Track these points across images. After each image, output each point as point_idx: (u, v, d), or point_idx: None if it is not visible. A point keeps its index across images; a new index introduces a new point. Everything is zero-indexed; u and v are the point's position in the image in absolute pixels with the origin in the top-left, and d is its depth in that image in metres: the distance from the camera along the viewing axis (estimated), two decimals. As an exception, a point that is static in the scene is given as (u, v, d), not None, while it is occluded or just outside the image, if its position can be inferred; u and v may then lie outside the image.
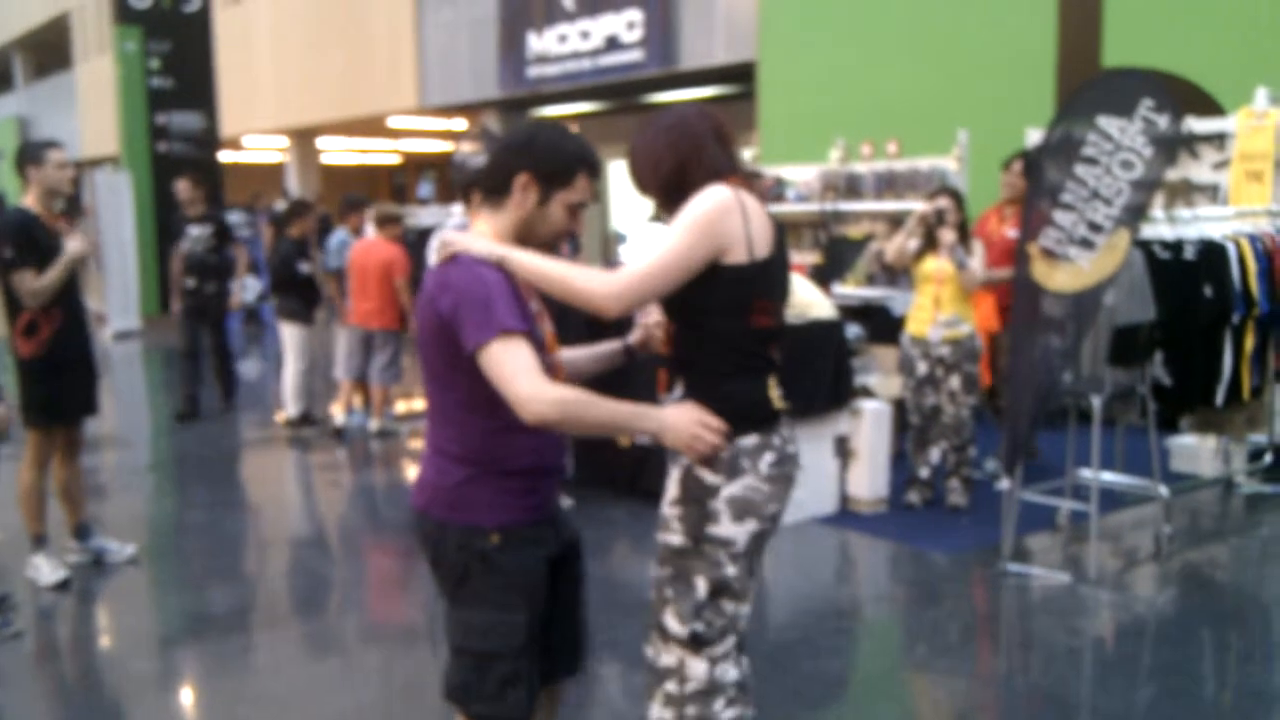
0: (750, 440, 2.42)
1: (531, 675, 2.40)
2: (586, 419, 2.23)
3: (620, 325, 2.90)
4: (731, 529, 2.42)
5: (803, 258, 8.81)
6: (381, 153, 26.52)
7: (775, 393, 2.48)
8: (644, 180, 2.51)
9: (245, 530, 6.18)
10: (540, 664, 2.47)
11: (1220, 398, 5.51)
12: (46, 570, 4.96)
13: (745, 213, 2.36)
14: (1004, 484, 5.17)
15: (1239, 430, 6.03)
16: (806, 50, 11.46)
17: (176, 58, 15.64)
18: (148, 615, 4.90)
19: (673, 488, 2.50)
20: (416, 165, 27.83)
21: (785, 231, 2.53)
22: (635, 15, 13.63)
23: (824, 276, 8.05)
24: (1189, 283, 5.39)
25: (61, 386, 4.93)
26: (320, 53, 19.97)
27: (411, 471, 7.32)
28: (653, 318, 2.63)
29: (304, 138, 22.41)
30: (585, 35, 14.35)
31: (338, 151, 25.11)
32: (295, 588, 5.22)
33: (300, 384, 8.31)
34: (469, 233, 2.38)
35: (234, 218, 15.75)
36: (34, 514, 4.96)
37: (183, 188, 8.71)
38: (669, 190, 2.45)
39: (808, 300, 5.82)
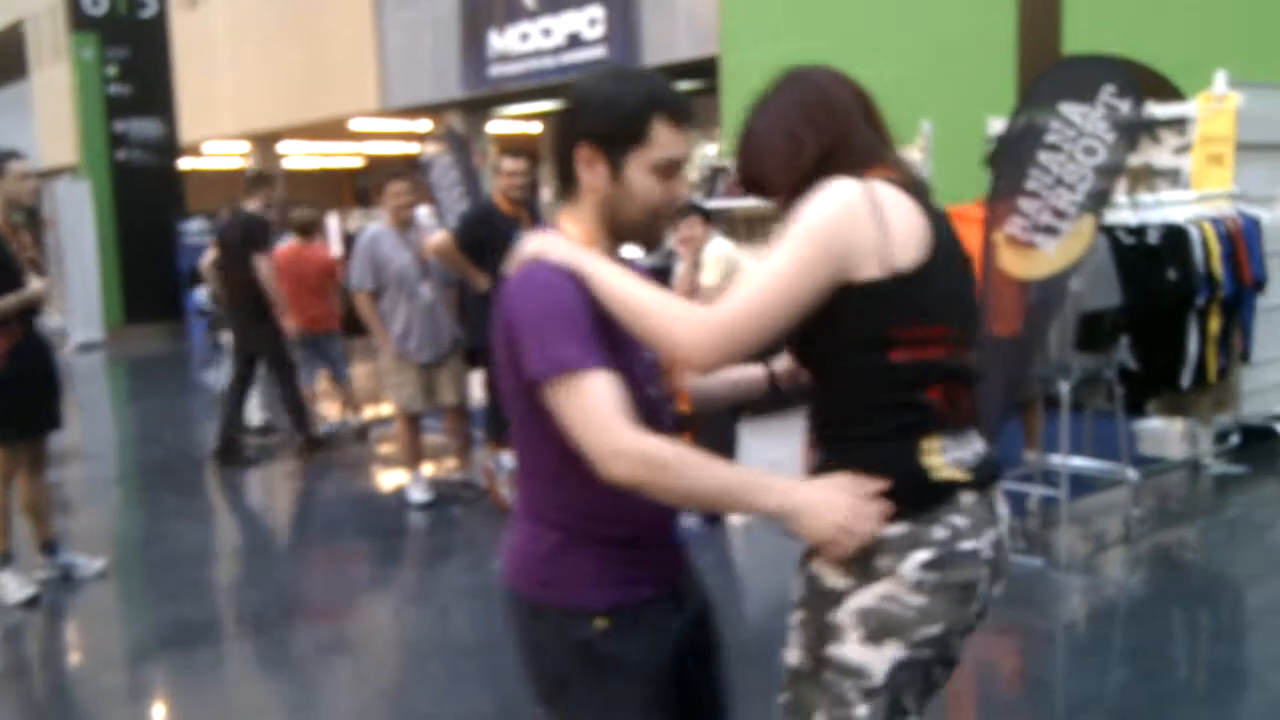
0: (895, 529, 1.70)
1: None
2: (682, 486, 1.63)
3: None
4: (860, 653, 1.73)
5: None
6: (344, 156, 26.36)
7: (940, 459, 1.72)
8: (770, 176, 1.82)
9: (213, 542, 6.11)
10: None
11: (1186, 380, 5.56)
12: (13, 587, 4.87)
13: (879, 212, 1.68)
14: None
15: (1205, 412, 6.08)
16: (768, 42, 11.46)
17: (134, 64, 15.47)
18: (118, 630, 4.83)
19: (797, 584, 1.87)
20: (380, 168, 27.69)
21: (947, 222, 1.80)
22: (597, 12, 13.61)
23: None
24: (1153, 267, 5.43)
25: (24, 401, 4.84)
26: (280, 56, 19.81)
27: (381, 476, 7.27)
28: None
29: (265, 143, 22.23)
30: (547, 33, 14.31)
31: (300, 155, 24.92)
32: (264, 599, 5.16)
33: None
34: (551, 235, 1.79)
35: (194, 225, 15.56)
36: (-1, 531, 4.89)
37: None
38: (803, 188, 1.75)
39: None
